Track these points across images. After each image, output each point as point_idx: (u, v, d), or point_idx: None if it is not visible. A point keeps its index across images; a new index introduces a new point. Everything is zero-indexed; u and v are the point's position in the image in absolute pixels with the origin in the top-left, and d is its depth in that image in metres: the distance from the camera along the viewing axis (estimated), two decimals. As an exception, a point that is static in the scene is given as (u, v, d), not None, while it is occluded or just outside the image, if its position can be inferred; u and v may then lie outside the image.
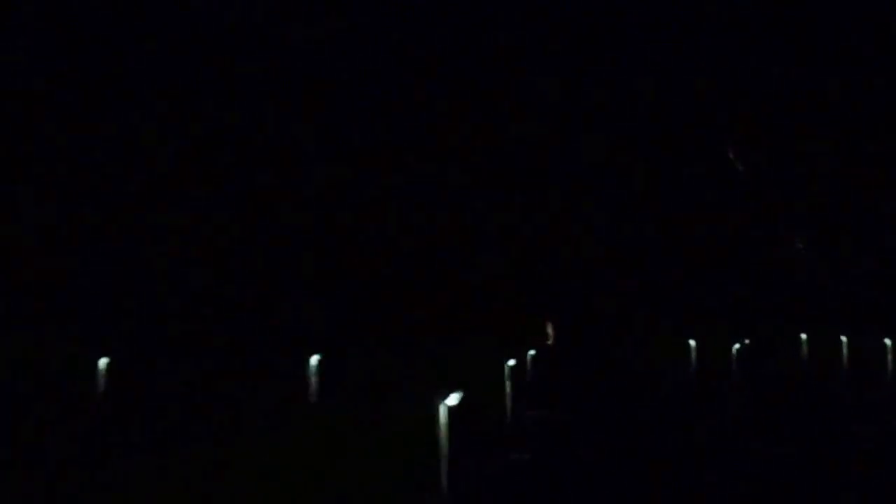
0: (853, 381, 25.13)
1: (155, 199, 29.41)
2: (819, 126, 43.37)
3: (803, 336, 29.57)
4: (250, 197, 30.45)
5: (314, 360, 20.98)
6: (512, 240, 34.84)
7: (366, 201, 31.83)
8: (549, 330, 30.59)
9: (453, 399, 8.39)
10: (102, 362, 19.26)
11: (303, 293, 28.44)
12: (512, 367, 16.23)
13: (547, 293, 33.25)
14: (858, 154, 42.66)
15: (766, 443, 14.23)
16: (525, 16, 36.91)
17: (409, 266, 31.63)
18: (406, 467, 10.91)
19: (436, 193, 33.53)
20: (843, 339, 28.01)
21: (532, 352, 22.25)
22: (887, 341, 26.35)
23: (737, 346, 26.43)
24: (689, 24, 40.59)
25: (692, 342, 25.61)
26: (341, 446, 13.45)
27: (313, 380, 20.90)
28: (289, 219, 30.15)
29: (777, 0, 41.60)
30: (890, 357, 25.53)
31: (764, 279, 37.78)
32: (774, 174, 41.95)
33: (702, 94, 40.81)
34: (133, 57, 31.89)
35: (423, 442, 10.52)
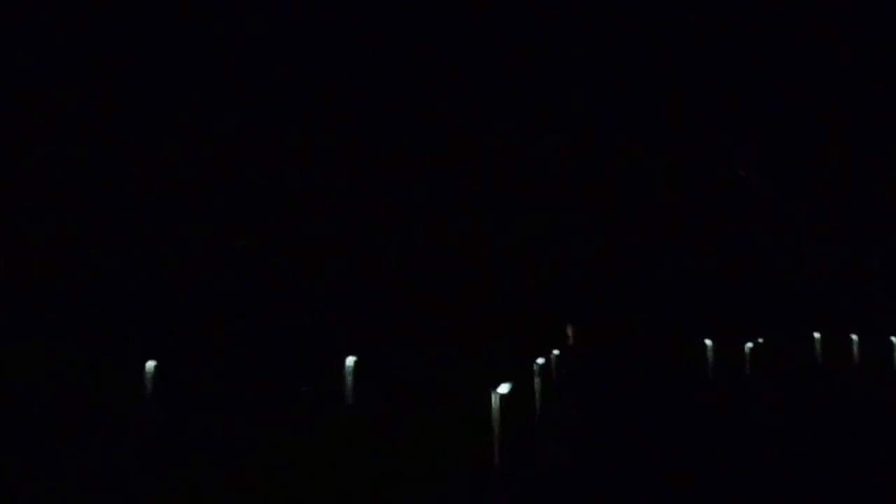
0: (863, 378, 26.10)
1: (193, 204, 30.18)
2: (827, 127, 44.05)
3: (816, 335, 30.33)
4: (292, 200, 31.31)
5: (350, 360, 22.08)
6: (535, 248, 35.86)
7: (402, 213, 32.78)
8: (570, 332, 31.71)
9: (504, 388, 9.57)
10: (150, 365, 20.26)
11: (340, 298, 29.46)
12: (540, 366, 17.43)
13: (566, 298, 34.27)
14: (870, 154, 43.44)
15: (779, 441, 15.21)
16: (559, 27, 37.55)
17: (442, 274, 32.65)
18: (461, 449, 12.05)
19: (465, 208, 34.47)
20: (854, 337, 28.98)
21: (556, 351, 23.39)
22: (894, 339, 27.35)
23: (749, 344, 27.39)
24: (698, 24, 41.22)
25: (708, 342, 26.55)
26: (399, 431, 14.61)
27: (349, 379, 21.99)
28: (327, 225, 31.03)
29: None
30: (896, 355, 26.54)
31: (777, 281, 38.66)
32: (787, 179, 42.75)
33: (720, 103, 41.47)
34: (146, 62, 31.93)
35: (473, 428, 11.68)
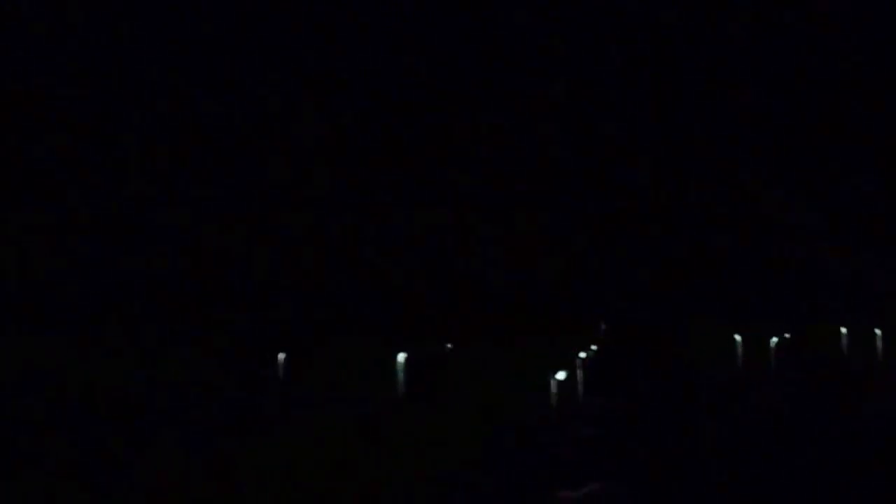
0: (888, 370, 27.56)
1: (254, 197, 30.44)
2: (848, 124, 44.93)
3: (843, 329, 31.74)
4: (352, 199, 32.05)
5: (401, 357, 23.86)
6: (567, 246, 37.30)
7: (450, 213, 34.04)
8: (603, 326, 33.29)
9: (561, 375, 11.34)
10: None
11: (384, 297, 30.93)
12: (583, 359, 19.23)
13: (598, 294, 35.78)
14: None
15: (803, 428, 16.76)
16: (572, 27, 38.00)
17: (483, 275, 34.22)
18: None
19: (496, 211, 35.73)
20: (878, 332, 30.43)
21: (593, 347, 25.05)
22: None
23: (775, 339, 28.92)
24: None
25: (737, 336, 28.14)
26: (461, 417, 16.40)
27: (401, 375, 23.76)
28: (369, 225, 32.02)
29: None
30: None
31: (803, 276, 39.94)
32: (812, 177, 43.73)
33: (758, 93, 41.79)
34: (136, 57, 30.01)
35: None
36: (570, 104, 38.98)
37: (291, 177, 33.26)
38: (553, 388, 11.99)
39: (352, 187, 33.42)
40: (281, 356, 24.56)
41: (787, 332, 30.59)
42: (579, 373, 18.92)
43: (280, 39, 34.09)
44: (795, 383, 23.74)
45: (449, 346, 28.05)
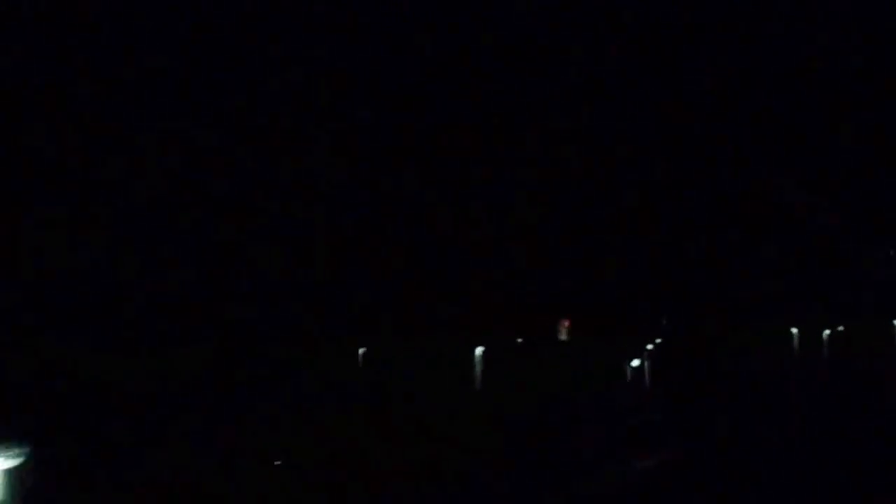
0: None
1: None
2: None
3: (896, 322, 33.19)
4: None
5: (479, 350, 26.13)
6: (630, 246, 39.03)
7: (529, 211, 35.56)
8: (664, 321, 35.30)
9: (636, 362, 13.55)
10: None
11: (460, 295, 33.01)
12: (650, 350, 21.44)
13: (661, 291, 37.66)
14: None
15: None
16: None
17: (551, 277, 36.24)
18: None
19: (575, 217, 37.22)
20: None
21: (658, 340, 27.16)
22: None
23: (827, 331, 30.69)
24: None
25: (794, 330, 29.99)
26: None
27: (478, 368, 26.04)
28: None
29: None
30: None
31: (857, 272, 41.22)
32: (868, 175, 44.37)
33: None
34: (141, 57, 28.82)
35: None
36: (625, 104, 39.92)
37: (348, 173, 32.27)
38: (628, 375, 14.22)
39: (414, 183, 33.38)
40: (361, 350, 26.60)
41: (837, 328, 32.22)
42: (647, 363, 21.10)
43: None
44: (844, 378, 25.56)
45: (519, 340, 30.52)
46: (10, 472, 6.14)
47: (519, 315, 31.99)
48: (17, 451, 6.27)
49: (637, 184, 42.21)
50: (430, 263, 33.13)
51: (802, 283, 39.06)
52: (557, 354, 27.21)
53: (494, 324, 30.03)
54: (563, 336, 39.56)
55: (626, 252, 38.82)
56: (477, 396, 21.90)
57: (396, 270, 32.26)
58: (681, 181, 44.11)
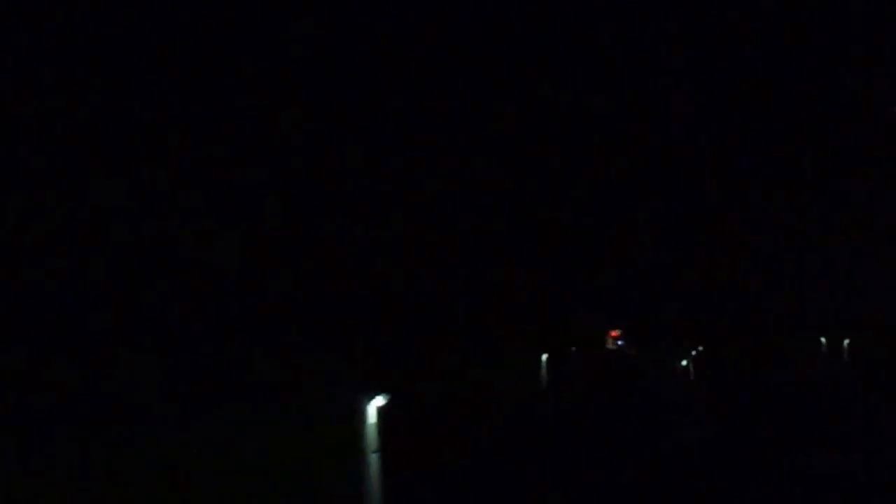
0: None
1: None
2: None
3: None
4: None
5: (544, 357, 30.51)
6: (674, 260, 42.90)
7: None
8: (706, 332, 39.32)
9: (684, 362, 17.91)
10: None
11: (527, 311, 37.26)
12: (693, 355, 25.78)
13: (703, 304, 41.71)
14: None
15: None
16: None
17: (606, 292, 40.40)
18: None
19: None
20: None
21: (700, 347, 31.36)
22: None
23: (847, 340, 34.56)
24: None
25: (846, 341, 33.76)
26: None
27: (544, 372, 30.41)
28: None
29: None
30: None
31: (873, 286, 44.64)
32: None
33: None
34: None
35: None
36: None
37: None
38: (677, 372, 18.47)
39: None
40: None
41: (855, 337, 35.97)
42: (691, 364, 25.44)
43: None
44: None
45: (573, 348, 34.97)
46: (380, 410, 9.14)
47: (575, 328, 36.36)
48: (383, 394, 9.06)
49: (676, 206, 45.80)
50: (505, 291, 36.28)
51: (826, 297, 42.61)
52: (611, 358, 31.50)
53: (555, 335, 34.35)
54: (610, 345, 43.90)
55: (672, 271, 42.72)
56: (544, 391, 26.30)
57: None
58: (720, 205, 47.47)
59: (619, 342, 41.30)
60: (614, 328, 46.06)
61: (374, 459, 8.34)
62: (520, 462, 14.75)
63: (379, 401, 8.65)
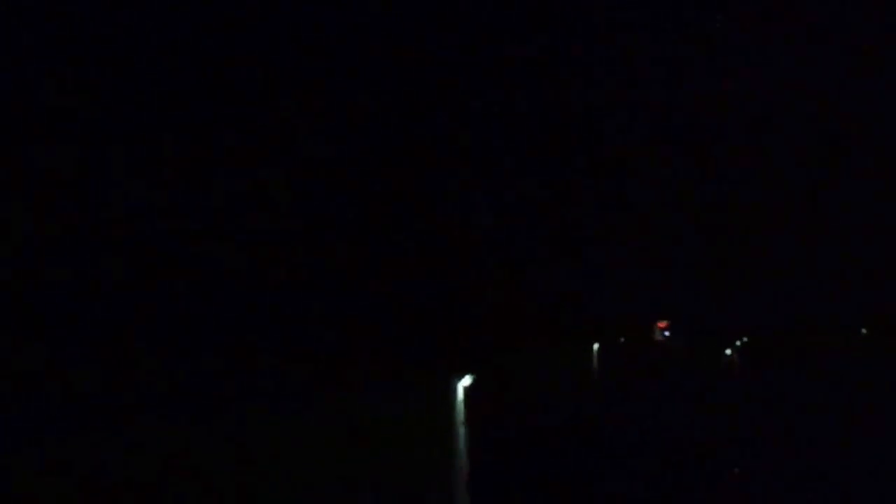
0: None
1: None
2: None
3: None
4: None
5: (595, 346, 32.14)
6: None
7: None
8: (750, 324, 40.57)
9: (728, 351, 19.48)
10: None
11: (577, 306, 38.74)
12: (738, 346, 27.26)
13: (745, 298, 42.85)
14: None
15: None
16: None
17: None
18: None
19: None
20: None
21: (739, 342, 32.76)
22: None
23: None
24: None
25: (864, 330, 35.07)
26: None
27: (595, 361, 32.03)
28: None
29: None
30: None
31: None
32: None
33: None
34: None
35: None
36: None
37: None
38: (722, 362, 19.97)
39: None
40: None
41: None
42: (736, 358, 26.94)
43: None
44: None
45: (621, 339, 36.58)
46: (466, 389, 10.76)
47: (624, 320, 37.83)
48: (468, 375, 10.83)
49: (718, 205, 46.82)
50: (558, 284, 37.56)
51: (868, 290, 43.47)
52: (661, 348, 33.01)
53: (606, 328, 35.88)
54: (658, 336, 45.29)
55: (717, 266, 43.88)
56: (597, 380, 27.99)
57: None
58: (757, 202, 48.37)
59: (666, 333, 42.72)
60: (661, 319, 47.53)
61: (462, 430, 10.06)
62: (577, 441, 16.52)
63: (466, 381, 10.37)
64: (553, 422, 17.25)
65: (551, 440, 15.59)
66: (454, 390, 10.08)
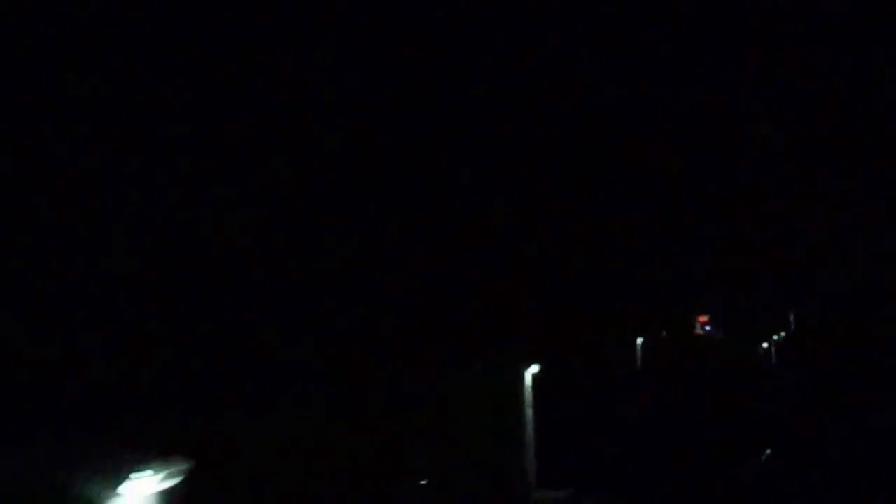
0: None
1: None
2: None
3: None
4: None
5: (639, 340, 33.63)
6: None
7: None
8: (791, 318, 41.69)
9: (765, 344, 21.00)
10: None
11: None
12: (775, 340, 28.65)
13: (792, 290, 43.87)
14: None
15: None
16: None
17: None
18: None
19: None
20: None
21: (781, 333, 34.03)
22: None
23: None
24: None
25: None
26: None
27: (639, 354, 33.54)
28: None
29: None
30: None
31: None
32: None
33: None
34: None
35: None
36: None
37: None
38: (761, 351, 21.40)
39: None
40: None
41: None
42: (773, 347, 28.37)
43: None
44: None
45: (663, 333, 38.09)
46: (534, 375, 11.88)
47: (666, 314, 39.14)
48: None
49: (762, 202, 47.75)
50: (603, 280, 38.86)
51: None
52: (701, 342, 34.39)
53: (649, 321, 37.22)
54: (698, 330, 46.60)
55: (758, 264, 44.90)
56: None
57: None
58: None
59: (707, 328, 44.01)
60: (702, 313, 48.78)
61: (529, 413, 11.65)
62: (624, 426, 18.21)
63: (534, 368, 11.98)
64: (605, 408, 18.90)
65: (603, 424, 17.29)
66: (523, 377, 11.69)
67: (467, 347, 13.75)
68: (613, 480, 13.87)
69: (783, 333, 34.16)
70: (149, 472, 5.95)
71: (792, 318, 41.53)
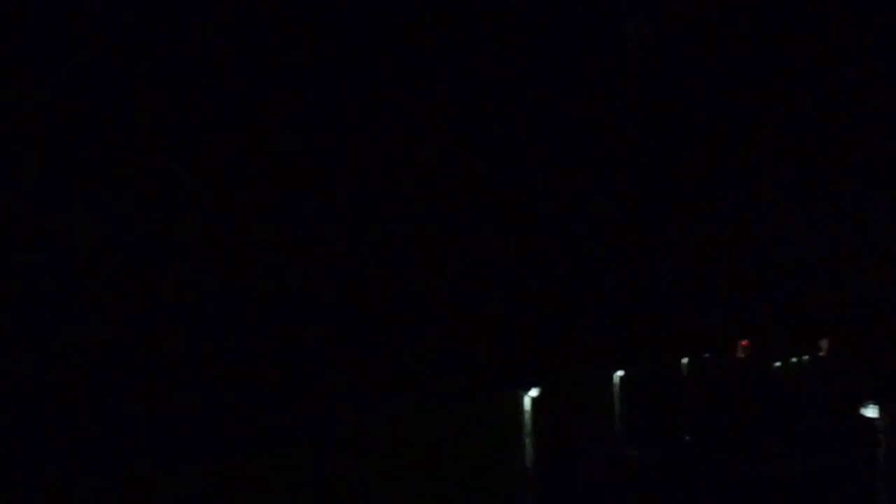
0: None
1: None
2: None
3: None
4: None
5: (684, 361, 33.77)
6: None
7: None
8: (824, 343, 41.18)
9: (794, 359, 21.07)
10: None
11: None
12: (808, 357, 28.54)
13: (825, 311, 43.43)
14: None
15: None
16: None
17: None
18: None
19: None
20: None
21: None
22: None
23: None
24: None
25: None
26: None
27: (685, 372, 33.66)
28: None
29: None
30: None
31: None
32: None
33: None
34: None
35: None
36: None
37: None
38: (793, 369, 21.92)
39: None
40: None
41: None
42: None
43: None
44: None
45: (706, 355, 38.15)
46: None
47: (709, 336, 39.08)
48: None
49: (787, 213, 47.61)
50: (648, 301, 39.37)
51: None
52: (740, 366, 34.40)
53: (695, 342, 37.36)
54: (740, 353, 46.43)
55: (795, 285, 44.71)
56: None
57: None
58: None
59: (748, 351, 43.76)
60: (744, 337, 48.54)
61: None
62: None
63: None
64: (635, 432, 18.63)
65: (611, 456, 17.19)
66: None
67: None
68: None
69: (812, 354, 33.94)
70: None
71: (828, 342, 41.20)
